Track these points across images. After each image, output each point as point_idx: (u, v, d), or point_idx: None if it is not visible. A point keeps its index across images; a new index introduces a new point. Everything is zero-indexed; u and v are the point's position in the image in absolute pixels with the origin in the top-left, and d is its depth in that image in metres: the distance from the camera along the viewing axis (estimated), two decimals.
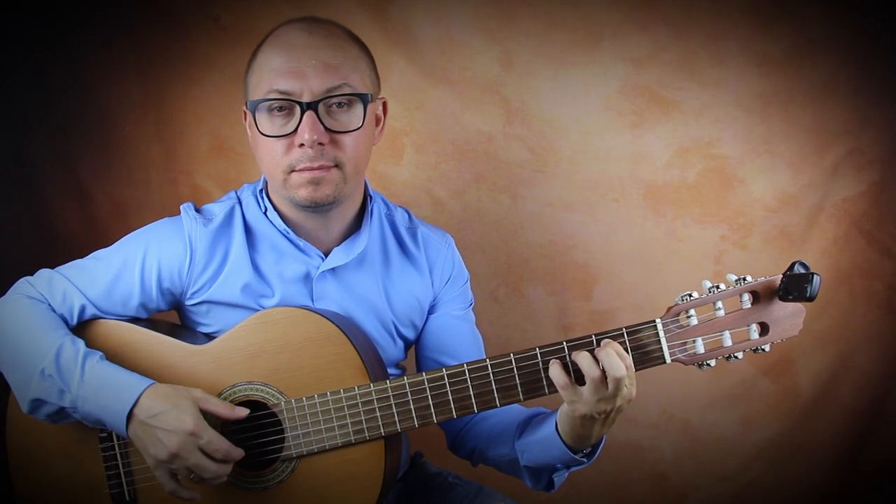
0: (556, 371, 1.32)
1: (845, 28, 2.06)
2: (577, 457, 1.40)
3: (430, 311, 1.67)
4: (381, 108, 1.56)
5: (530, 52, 2.14)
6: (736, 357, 1.33)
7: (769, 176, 2.15)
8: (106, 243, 1.55)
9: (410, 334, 1.67)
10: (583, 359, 1.29)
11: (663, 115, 2.14)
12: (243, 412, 1.38)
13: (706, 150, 2.15)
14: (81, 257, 1.54)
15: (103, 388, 1.34)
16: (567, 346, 1.33)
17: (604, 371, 1.27)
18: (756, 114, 2.12)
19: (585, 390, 1.29)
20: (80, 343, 1.39)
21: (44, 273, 1.51)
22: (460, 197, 2.22)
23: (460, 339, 1.68)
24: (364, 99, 1.44)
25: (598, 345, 1.32)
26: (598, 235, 2.22)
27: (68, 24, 2.10)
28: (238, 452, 1.36)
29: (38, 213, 2.16)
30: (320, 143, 1.39)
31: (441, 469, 1.78)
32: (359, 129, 1.44)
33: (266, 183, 1.57)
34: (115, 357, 1.42)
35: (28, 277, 1.51)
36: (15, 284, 1.51)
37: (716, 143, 2.14)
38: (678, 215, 2.19)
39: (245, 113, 1.50)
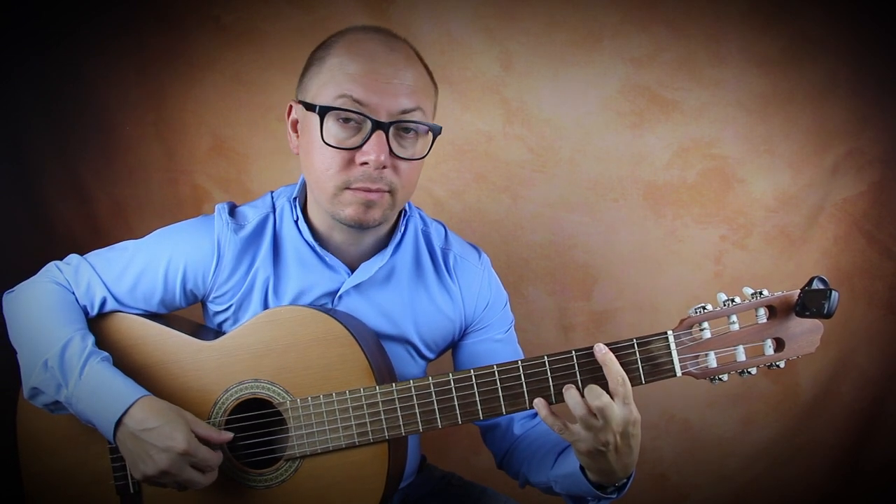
0: (545, 413, 1.29)
1: (845, 28, 2.07)
2: (603, 494, 1.35)
3: (467, 336, 1.62)
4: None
5: (530, 52, 2.14)
6: (749, 372, 1.29)
7: (769, 176, 2.15)
8: (106, 243, 1.54)
9: (431, 355, 1.62)
10: (569, 397, 1.26)
11: (663, 115, 2.15)
12: (228, 436, 1.38)
13: (706, 150, 2.16)
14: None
15: (97, 391, 1.33)
16: (576, 355, 1.30)
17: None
18: (756, 114, 2.13)
19: (576, 427, 1.26)
20: (90, 340, 1.38)
21: (73, 259, 1.51)
22: (460, 197, 2.22)
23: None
24: (435, 131, 1.40)
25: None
26: (598, 235, 2.22)
27: (68, 24, 2.10)
28: (219, 458, 1.36)
29: (38, 212, 2.16)
30: (383, 167, 1.34)
31: (445, 472, 1.78)
32: (422, 158, 1.41)
33: (301, 189, 1.52)
34: (126, 350, 1.43)
35: (57, 262, 1.52)
36: (45, 267, 1.51)
37: (716, 143, 2.15)
38: (678, 215, 2.19)
39: (291, 107, 1.44)
